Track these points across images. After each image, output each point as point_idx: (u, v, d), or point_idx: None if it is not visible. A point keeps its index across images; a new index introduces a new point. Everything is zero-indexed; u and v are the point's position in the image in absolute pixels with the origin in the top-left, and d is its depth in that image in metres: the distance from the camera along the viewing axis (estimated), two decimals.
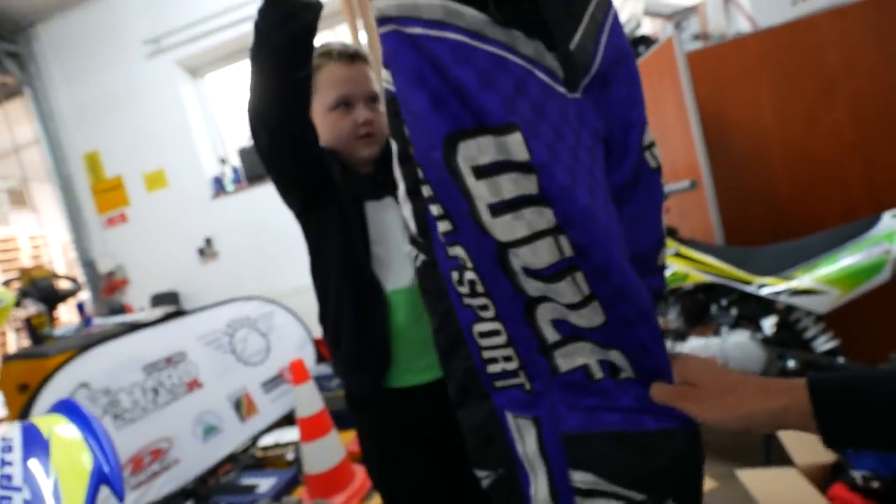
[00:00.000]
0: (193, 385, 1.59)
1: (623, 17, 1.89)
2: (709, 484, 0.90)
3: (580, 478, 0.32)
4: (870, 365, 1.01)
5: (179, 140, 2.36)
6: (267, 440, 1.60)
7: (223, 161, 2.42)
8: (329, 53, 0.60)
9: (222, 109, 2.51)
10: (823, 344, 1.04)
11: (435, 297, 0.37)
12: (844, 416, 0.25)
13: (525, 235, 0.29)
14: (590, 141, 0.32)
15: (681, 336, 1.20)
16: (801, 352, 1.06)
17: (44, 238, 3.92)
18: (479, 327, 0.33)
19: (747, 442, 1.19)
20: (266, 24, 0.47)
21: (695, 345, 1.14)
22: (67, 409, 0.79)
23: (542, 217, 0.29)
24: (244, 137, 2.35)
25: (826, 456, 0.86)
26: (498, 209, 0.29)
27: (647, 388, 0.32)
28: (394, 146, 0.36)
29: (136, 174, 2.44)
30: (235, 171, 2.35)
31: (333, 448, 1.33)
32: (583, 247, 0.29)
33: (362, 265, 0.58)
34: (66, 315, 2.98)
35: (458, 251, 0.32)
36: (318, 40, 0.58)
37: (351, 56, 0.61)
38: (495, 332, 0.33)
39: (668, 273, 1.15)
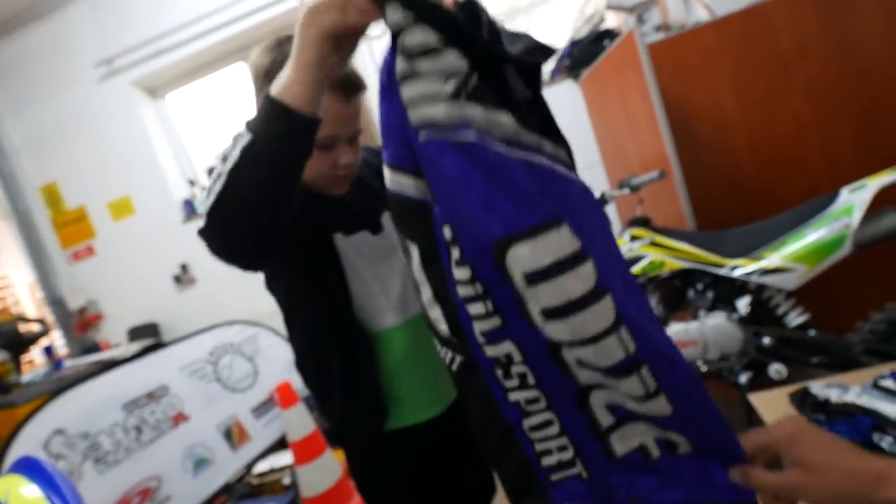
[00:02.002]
0: (179, 418, 1.53)
1: (588, 12, 1.92)
2: None
3: None
4: (839, 335, 1.05)
5: (143, 164, 2.26)
6: (261, 466, 1.57)
7: (192, 182, 2.34)
8: None
9: (186, 129, 2.42)
10: (795, 319, 1.09)
11: (479, 401, 0.36)
12: None
13: (586, 337, 0.30)
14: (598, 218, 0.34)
15: (661, 323, 1.22)
16: (775, 329, 1.10)
17: (7, 278, 3.71)
18: (530, 422, 0.34)
19: (730, 419, 1.23)
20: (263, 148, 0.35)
21: (675, 329, 1.17)
22: (28, 467, 0.73)
23: (602, 317, 0.30)
24: (212, 157, 2.28)
25: None
26: (551, 314, 0.30)
27: (708, 461, 0.32)
28: (414, 251, 0.34)
29: (99, 204, 2.32)
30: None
31: (329, 468, 1.31)
32: (646, 339, 0.30)
33: (342, 308, 0.53)
34: (41, 359, 2.83)
35: (506, 346, 0.32)
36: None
37: (352, 88, 0.50)
38: (548, 423, 0.33)
39: (644, 262, 1.18)
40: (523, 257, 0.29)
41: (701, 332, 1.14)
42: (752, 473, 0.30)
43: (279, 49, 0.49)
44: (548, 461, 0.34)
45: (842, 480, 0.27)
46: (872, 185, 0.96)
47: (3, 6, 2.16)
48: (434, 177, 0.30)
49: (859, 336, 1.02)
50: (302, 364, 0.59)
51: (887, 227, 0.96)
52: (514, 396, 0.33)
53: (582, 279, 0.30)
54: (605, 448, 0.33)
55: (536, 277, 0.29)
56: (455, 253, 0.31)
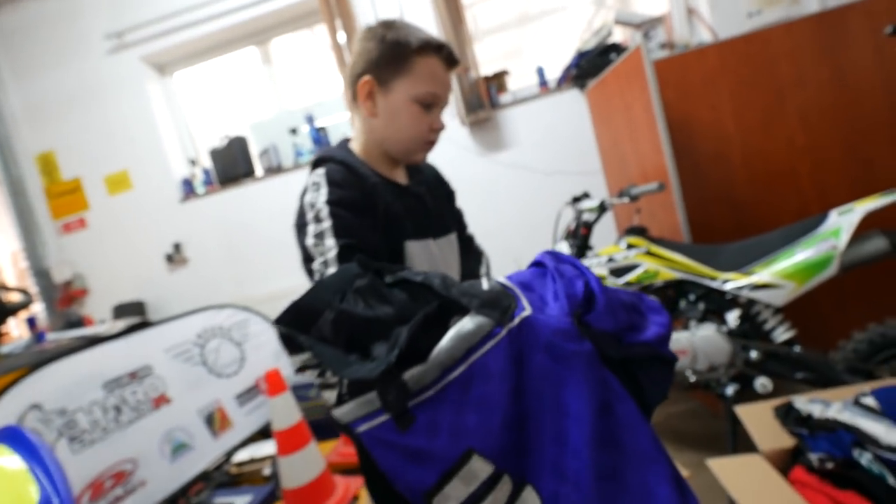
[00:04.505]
0: (160, 401, 1.49)
1: (596, 25, 1.97)
2: (681, 473, 0.93)
3: None
4: (823, 353, 1.08)
5: (145, 140, 2.22)
6: (242, 455, 1.53)
7: (193, 162, 2.31)
8: (438, 48, 0.56)
9: (192, 109, 2.39)
10: (781, 334, 1.12)
11: None
12: None
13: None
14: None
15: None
16: (762, 343, 1.13)
17: None
18: None
19: (716, 431, 1.25)
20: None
21: None
22: (11, 437, 0.71)
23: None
24: (216, 138, 2.25)
25: (787, 441, 0.92)
26: None
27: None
28: None
29: (96, 176, 2.27)
30: (206, 172, 2.24)
31: (313, 460, 1.28)
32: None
33: None
34: (17, 331, 2.74)
35: None
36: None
37: (454, 62, 0.58)
38: None
39: (639, 271, 1.20)
40: (449, 495, 0.34)
41: (691, 342, 1.16)
42: None
43: (383, 36, 0.55)
44: None
45: None
46: (860, 209, 1.00)
47: None
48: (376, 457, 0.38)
49: (842, 354, 1.05)
50: None
51: (872, 249, 1.00)
52: None
53: (502, 489, 0.35)
54: None
55: None
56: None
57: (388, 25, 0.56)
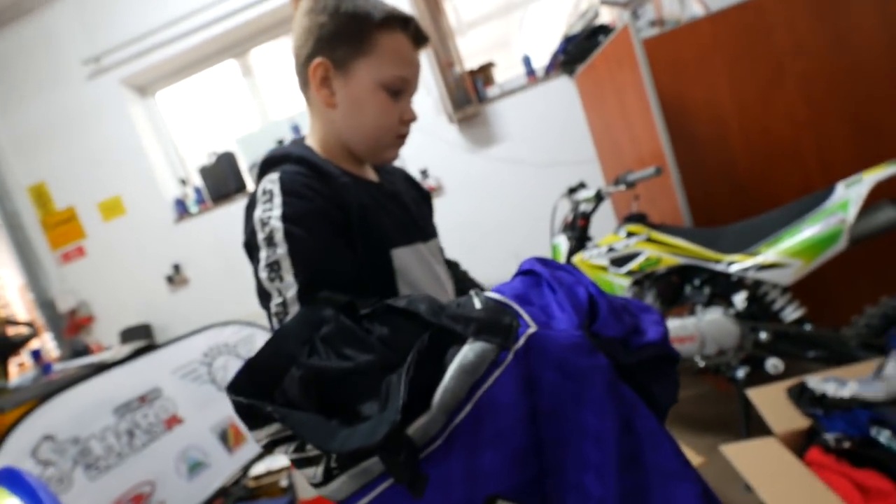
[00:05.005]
0: (172, 422, 1.51)
1: (582, 7, 1.90)
2: (695, 459, 0.92)
3: None
4: (834, 330, 1.06)
5: (133, 164, 2.22)
6: (258, 469, 1.55)
7: (183, 182, 2.30)
8: (404, 22, 0.46)
9: (177, 128, 2.38)
10: (791, 314, 1.09)
11: None
12: None
13: None
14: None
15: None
16: (771, 323, 1.10)
17: None
18: None
19: (728, 414, 1.23)
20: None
21: (672, 325, 1.17)
22: (9, 479, 0.71)
23: None
24: (203, 156, 2.23)
25: (801, 422, 0.90)
26: None
27: None
28: None
29: (89, 204, 2.27)
30: (198, 191, 2.23)
31: None
32: None
33: None
34: (29, 363, 2.77)
35: None
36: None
37: (423, 39, 0.48)
38: None
39: (641, 258, 1.17)
40: None
41: (698, 328, 1.13)
42: None
43: (336, 7, 0.46)
44: None
45: None
46: (868, 179, 0.96)
47: None
48: None
49: (854, 330, 1.02)
50: None
51: (883, 220, 0.96)
52: None
53: None
54: None
55: None
56: None
57: (324, 14, 0.45)
